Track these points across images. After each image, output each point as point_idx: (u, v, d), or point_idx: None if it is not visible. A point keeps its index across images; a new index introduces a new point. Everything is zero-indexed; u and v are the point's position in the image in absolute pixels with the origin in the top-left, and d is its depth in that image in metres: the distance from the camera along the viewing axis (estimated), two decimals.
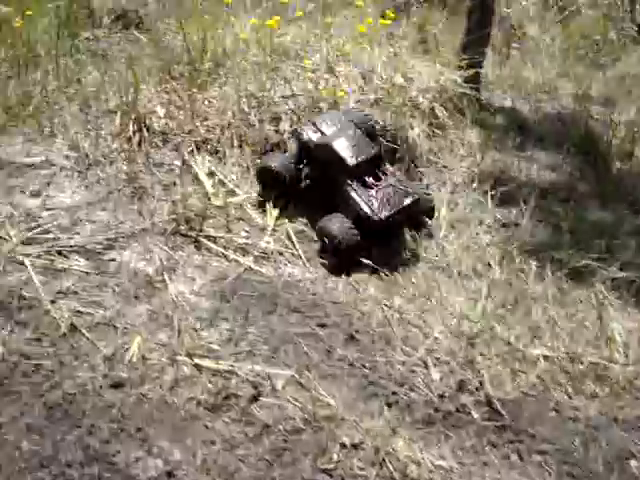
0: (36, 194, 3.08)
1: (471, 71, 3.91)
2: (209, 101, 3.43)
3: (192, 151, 3.33)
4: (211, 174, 3.23)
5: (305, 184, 3.11)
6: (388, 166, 3.21)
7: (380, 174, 3.05)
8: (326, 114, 3.25)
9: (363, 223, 2.91)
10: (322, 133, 3.08)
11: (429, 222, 3.11)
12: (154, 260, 2.80)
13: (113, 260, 2.78)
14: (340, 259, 2.91)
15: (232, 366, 2.35)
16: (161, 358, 2.34)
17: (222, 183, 3.21)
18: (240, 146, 3.36)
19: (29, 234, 2.82)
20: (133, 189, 3.14)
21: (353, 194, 2.96)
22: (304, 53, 3.74)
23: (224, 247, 2.92)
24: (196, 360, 2.35)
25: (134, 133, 3.30)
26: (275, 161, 3.14)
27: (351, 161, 2.98)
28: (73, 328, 2.42)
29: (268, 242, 2.98)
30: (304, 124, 3.18)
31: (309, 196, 3.14)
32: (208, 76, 3.55)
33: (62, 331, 2.39)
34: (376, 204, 2.92)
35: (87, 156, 3.29)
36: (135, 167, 3.22)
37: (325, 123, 3.11)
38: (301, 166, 3.13)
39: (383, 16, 5.28)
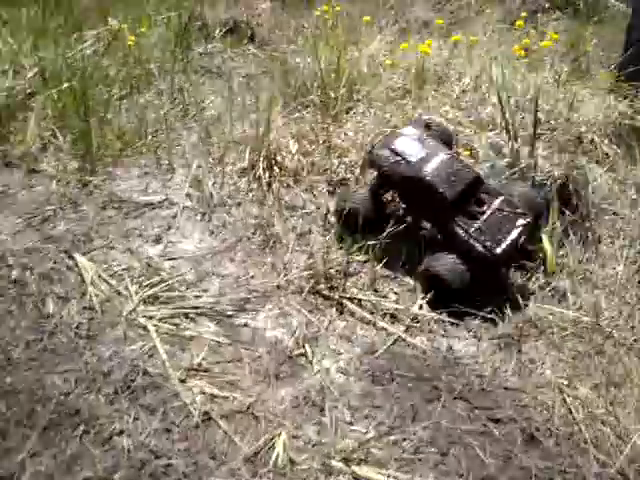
0: (156, 240, 2.75)
1: None
2: (345, 134, 3.00)
3: (329, 193, 2.91)
4: None
5: (392, 225, 2.62)
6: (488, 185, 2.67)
7: (483, 198, 2.56)
8: (404, 134, 2.69)
9: (476, 264, 2.45)
10: (405, 160, 2.56)
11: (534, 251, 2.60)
12: (292, 326, 2.41)
13: (246, 326, 2.40)
14: (448, 304, 2.48)
15: (396, 478, 1.92)
16: (312, 463, 1.94)
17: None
18: None
19: (151, 291, 2.46)
20: (264, 237, 2.77)
21: (458, 230, 2.49)
22: (449, 77, 3.26)
23: (370, 312, 2.48)
24: (354, 467, 1.93)
25: (264, 170, 2.90)
26: (350, 199, 2.68)
27: (450, 194, 2.48)
28: (207, 417, 2.03)
29: (420, 307, 2.53)
30: (379, 149, 2.64)
31: (397, 237, 2.66)
32: (343, 104, 3.12)
33: (194, 420, 2.02)
34: (487, 237, 2.46)
35: (211, 195, 2.94)
36: (265, 210, 2.83)
37: (406, 146, 2.58)
38: (384, 201, 2.71)
39: (514, 25, 4.76)
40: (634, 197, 3.02)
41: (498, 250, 2.47)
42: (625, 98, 3.46)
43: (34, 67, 4.09)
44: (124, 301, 2.45)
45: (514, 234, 2.50)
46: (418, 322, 2.52)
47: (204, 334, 2.34)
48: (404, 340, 2.44)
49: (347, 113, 3.21)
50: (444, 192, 2.48)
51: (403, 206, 2.76)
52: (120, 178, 3.10)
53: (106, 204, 2.95)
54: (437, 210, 2.54)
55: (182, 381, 2.15)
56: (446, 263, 2.48)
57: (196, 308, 2.44)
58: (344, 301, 2.53)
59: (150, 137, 3.29)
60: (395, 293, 2.60)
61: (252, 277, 2.60)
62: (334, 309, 2.51)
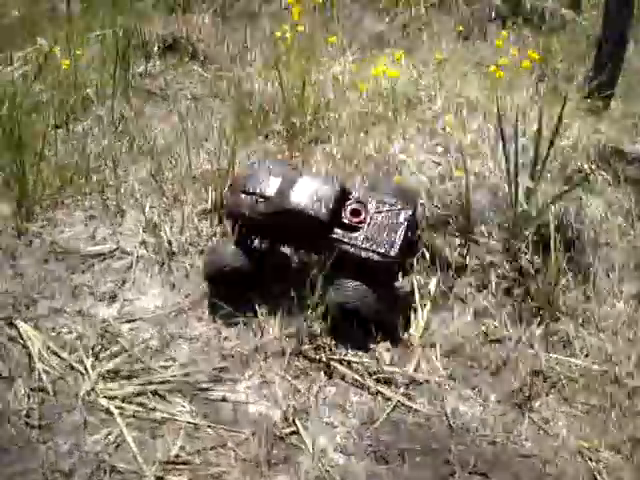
0: (111, 298, 2.42)
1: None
2: (315, 166, 2.70)
3: None
4: None
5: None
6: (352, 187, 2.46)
7: (357, 207, 2.35)
8: (250, 171, 2.49)
9: (376, 273, 2.27)
10: (263, 198, 2.34)
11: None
12: (277, 397, 2.11)
13: (224, 400, 2.09)
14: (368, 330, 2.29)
15: None
16: None
17: None
18: None
19: (110, 364, 2.12)
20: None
21: (345, 247, 2.28)
22: (419, 99, 3.00)
23: (362, 375, 2.20)
24: None
25: None
26: (221, 255, 2.40)
27: (324, 215, 2.26)
28: None
29: (418, 366, 2.26)
30: (231, 197, 2.43)
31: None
32: (310, 134, 2.82)
33: None
34: (378, 243, 2.27)
35: (169, 242, 2.60)
36: None
37: (258, 183, 2.37)
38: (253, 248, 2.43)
39: (466, 38, 4.58)
40: (624, 225, 2.82)
41: (393, 252, 2.28)
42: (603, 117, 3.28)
43: None
44: (79, 378, 2.11)
45: (402, 230, 2.32)
46: (416, 383, 2.23)
47: (178, 415, 2.02)
48: (404, 405, 2.16)
49: (315, 143, 2.90)
50: (317, 215, 2.26)
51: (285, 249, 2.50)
52: (62, 224, 2.73)
53: (48, 257, 2.58)
54: (316, 236, 2.30)
55: (159, 479, 1.81)
56: (346, 288, 2.26)
57: (165, 382, 2.11)
58: (332, 363, 2.22)
59: (93, 174, 2.91)
60: (387, 349, 2.31)
61: (225, 338, 2.29)
62: (322, 373, 2.21)
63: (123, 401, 2.04)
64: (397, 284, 2.42)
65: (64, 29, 4.26)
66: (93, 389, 2.07)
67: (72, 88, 3.54)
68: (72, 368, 2.14)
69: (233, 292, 2.36)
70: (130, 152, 3.08)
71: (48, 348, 2.19)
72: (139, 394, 2.07)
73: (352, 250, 2.27)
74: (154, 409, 2.03)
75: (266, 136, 2.97)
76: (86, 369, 2.13)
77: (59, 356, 2.18)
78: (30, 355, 2.18)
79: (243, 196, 2.36)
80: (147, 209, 2.73)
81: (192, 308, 2.38)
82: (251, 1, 5.25)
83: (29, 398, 2.04)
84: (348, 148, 2.83)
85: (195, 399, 2.08)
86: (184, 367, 2.17)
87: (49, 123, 3.26)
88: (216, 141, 2.96)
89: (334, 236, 2.29)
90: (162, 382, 2.11)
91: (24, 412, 2.00)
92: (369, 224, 2.32)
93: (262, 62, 3.56)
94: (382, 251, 2.27)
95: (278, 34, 3.24)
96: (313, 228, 2.27)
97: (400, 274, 2.42)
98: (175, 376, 2.13)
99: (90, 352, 2.19)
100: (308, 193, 2.28)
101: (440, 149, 2.68)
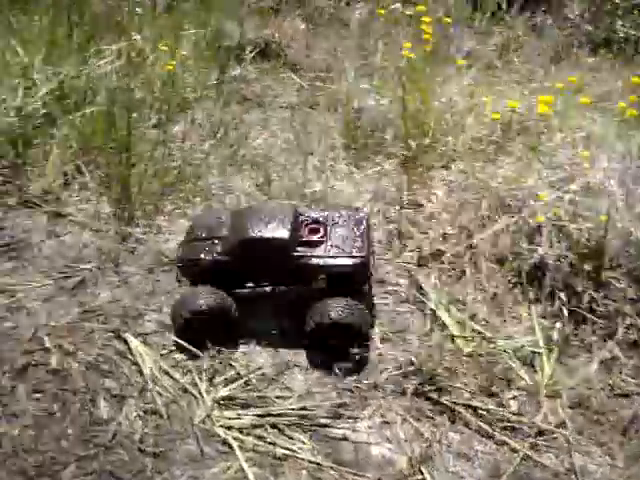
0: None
1: None
2: (434, 194, 2.56)
3: (418, 266, 2.48)
4: (448, 304, 2.38)
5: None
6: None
7: (314, 226, 2.28)
8: (195, 220, 2.44)
9: (347, 281, 2.19)
10: (218, 238, 2.24)
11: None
12: (400, 441, 1.97)
13: (345, 439, 1.97)
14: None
15: None
16: None
17: (467, 317, 2.37)
18: (475, 263, 2.50)
19: (226, 390, 2.01)
20: None
21: (315, 261, 2.18)
22: (537, 129, 2.85)
23: (488, 423, 2.06)
24: None
25: None
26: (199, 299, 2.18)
27: (285, 234, 2.16)
28: None
29: (545, 416, 2.11)
30: (182, 247, 2.31)
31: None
32: (429, 158, 2.69)
33: None
34: (347, 248, 2.21)
35: None
36: None
37: (208, 226, 2.31)
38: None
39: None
40: None
41: (365, 252, 2.22)
42: None
43: (47, 83, 3.58)
44: (193, 403, 1.99)
45: (365, 235, 2.27)
46: (542, 435, 2.08)
47: (298, 453, 1.90)
48: (531, 458, 2.01)
49: (429, 170, 2.76)
50: (277, 237, 2.15)
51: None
52: (166, 231, 2.63)
53: (153, 266, 2.47)
54: (280, 261, 2.18)
55: None
56: (342, 308, 2.13)
57: (283, 415, 1.99)
58: (457, 408, 2.09)
59: (194, 180, 2.81)
60: (513, 396, 2.17)
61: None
62: (445, 416, 2.08)
63: (241, 432, 1.93)
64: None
65: (152, 25, 4.19)
66: (208, 416, 1.95)
67: (169, 87, 3.44)
68: (185, 391, 2.04)
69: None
70: (233, 160, 2.97)
71: (160, 368, 2.08)
72: (257, 426, 1.95)
73: (321, 262, 2.18)
74: (274, 444, 1.91)
75: (376, 153, 2.83)
76: (200, 393, 2.02)
77: (171, 377, 2.07)
78: (141, 373, 2.08)
79: (196, 244, 2.25)
80: None
81: None
82: (341, 9, 5.14)
83: (142, 421, 1.93)
84: (469, 177, 2.69)
85: (315, 435, 1.97)
86: (301, 399, 2.06)
87: (149, 123, 3.17)
88: (322, 155, 2.84)
89: (298, 254, 2.18)
90: (280, 414, 1.99)
91: (137, 437, 1.89)
92: (331, 234, 2.25)
93: (377, 77, 3.42)
94: (355, 253, 2.20)
95: (405, 51, 3.09)
96: (275, 251, 2.16)
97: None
98: (293, 409, 2.01)
99: (204, 375, 2.07)
100: (263, 220, 2.18)
101: (568, 186, 2.52)
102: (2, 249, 2.62)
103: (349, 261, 2.19)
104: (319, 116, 3.44)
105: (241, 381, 2.07)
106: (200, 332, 2.14)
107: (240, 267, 2.20)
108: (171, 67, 3.34)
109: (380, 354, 2.22)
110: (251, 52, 4.19)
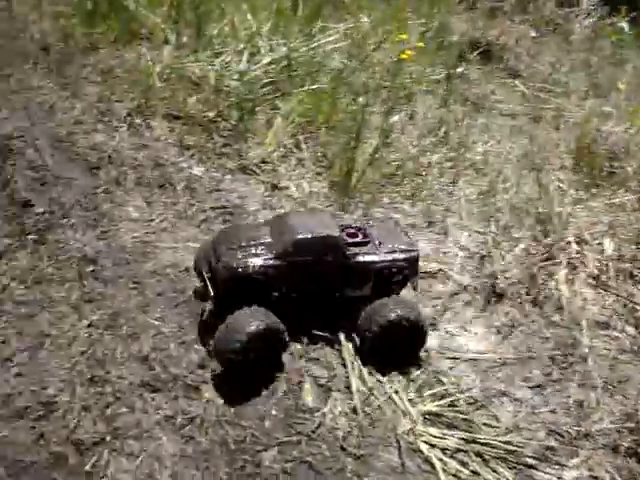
0: (431, 324, 2.20)
1: None
2: None
3: None
4: None
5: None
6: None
7: (351, 230, 2.17)
8: (227, 233, 2.19)
9: (409, 274, 2.15)
10: (262, 244, 2.06)
11: None
12: None
13: None
14: None
15: None
16: None
17: None
18: None
19: (433, 405, 1.92)
20: (562, 356, 2.17)
21: (369, 258, 2.09)
22: None
23: None
24: None
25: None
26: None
27: (335, 232, 2.07)
28: None
29: None
30: (223, 260, 2.03)
31: None
32: None
33: None
34: (396, 243, 2.16)
35: (496, 279, 2.34)
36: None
37: (245, 234, 2.14)
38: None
39: None
40: None
41: (416, 246, 2.22)
42: None
43: (270, 52, 3.62)
44: (398, 412, 1.92)
45: (401, 229, 2.28)
46: None
47: None
48: None
49: None
50: (332, 237, 2.06)
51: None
52: None
53: None
54: (334, 262, 2.06)
55: None
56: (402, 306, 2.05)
57: (488, 445, 1.87)
58: None
59: (410, 176, 2.73)
60: None
61: (553, 412, 2.01)
62: None
63: (444, 453, 1.84)
64: None
65: (374, 9, 4.14)
66: (412, 429, 1.88)
67: (395, 76, 3.38)
68: (390, 398, 1.97)
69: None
70: (454, 163, 2.87)
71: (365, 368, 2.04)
72: (461, 450, 1.86)
73: (376, 258, 2.10)
74: (477, 473, 1.81)
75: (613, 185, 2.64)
76: (404, 402, 1.95)
77: (378, 380, 2.01)
78: (344, 366, 2.03)
79: (237, 251, 2.05)
80: (469, 234, 2.50)
81: (519, 364, 2.14)
82: (567, 20, 4.89)
83: (346, 418, 1.89)
84: None
85: (520, 474, 1.85)
86: (509, 432, 1.93)
87: (373, 109, 3.11)
88: (550, 173, 2.68)
89: (350, 252, 2.08)
90: (485, 444, 1.88)
91: (341, 435, 1.85)
92: (373, 233, 2.18)
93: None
94: (404, 247, 2.15)
95: None
96: (329, 250, 2.04)
97: None
98: (500, 441, 1.90)
99: (411, 385, 2.00)
100: (308, 224, 2.08)
101: None
102: (219, 210, 2.65)
103: (404, 255, 2.13)
104: (544, 130, 3.26)
105: (448, 399, 1.98)
106: (253, 357, 1.94)
107: (290, 272, 2.06)
108: (406, 56, 3.26)
109: (597, 401, 2.06)
110: (472, 52, 4.05)
